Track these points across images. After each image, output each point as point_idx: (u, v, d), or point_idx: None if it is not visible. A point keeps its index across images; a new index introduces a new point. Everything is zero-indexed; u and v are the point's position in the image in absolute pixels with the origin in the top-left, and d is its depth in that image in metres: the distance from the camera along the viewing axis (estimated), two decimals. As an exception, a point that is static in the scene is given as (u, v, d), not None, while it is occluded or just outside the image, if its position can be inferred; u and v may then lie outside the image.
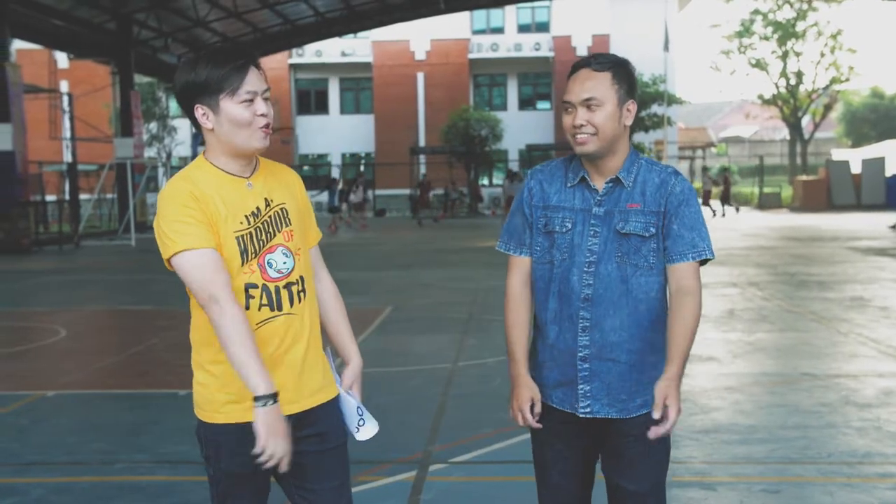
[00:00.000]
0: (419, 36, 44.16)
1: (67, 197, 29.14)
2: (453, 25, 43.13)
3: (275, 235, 2.55)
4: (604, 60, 2.70)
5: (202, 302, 2.43)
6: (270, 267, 2.54)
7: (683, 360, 2.60)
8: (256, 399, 2.36)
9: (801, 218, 30.30)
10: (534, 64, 45.76)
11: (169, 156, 38.66)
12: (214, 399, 2.54)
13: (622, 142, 2.72)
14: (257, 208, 2.55)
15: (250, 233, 2.52)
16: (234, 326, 2.38)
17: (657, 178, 2.69)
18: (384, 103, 45.01)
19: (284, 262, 2.56)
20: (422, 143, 44.02)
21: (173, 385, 7.22)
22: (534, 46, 44.97)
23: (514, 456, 5.19)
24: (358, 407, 2.78)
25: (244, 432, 2.49)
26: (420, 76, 45.13)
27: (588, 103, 2.65)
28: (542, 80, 46.40)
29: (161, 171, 35.30)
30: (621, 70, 2.70)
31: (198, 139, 31.00)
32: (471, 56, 45.16)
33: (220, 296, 2.39)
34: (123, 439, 5.72)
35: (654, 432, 2.57)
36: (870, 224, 25.74)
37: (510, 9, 44.35)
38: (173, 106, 42.35)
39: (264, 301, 2.53)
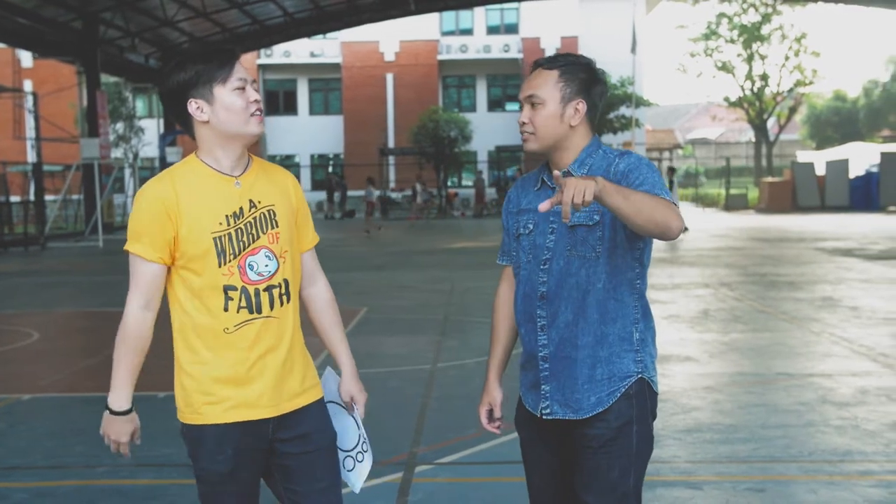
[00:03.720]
0: (388, 37, 44.09)
1: (32, 198, 28.75)
2: (422, 27, 43.11)
3: (258, 237, 2.55)
4: (557, 59, 2.70)
5: (128, 295, 2.58)
6: (251, 269, 2.54)
7: (625, 193, 2.36)
8: (107, 407, 2.61)
9: (767, 219, 30.64)
10: (503, 65, 45.83)
11: (136, 156, 38.28)
12: (193, 400, 2.55)
13: (572, 139, 2.68)
14: (240, 209, 2.55)
15: (229, 234, 2.52)
16: (126, 333, 2.55)
17: (605, 163, 2.65)
18: (353, 104, 44.90)
19: (266, 265, 2.56)
20: (391, 144, 43.97)
21: (152, 387, 7.11)
22: (503, 48, 45.06)
23: (500, 457, 5.20)
24: (361, 435, 2.79)
25: (222, 432, 2.53)
26: (389, 77, 45.07)
27: (531, 100, 2.67)
28: (511, 82, 46.45)
29: (128, 171, 34.94)
30: (573, 69, 2.68)
31: (165, 140, 30.78)
32: (440, 57, 45.15)
33: (132, 303, 2.55)
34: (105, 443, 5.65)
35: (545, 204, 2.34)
36: (834, 225, 26.09)
37: (479, 10, 44.38)
38: (140, 106, 41.99)
39: (243, 303, 2.53)
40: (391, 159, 42.50)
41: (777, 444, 5.39)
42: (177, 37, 31.98)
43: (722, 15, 50.69)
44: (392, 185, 43.02)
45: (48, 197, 29.96)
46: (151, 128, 39.08)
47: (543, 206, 2.35)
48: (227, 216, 2.53)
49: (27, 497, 4.75)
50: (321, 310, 2.81)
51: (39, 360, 8.63)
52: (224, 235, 2.51)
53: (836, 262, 16.05)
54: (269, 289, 2.56)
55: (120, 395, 2.57)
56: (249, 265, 2.53)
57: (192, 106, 2.53)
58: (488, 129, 43.59)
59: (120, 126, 37.93)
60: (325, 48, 44.99)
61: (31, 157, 34.52)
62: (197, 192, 2.53)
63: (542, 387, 2.70)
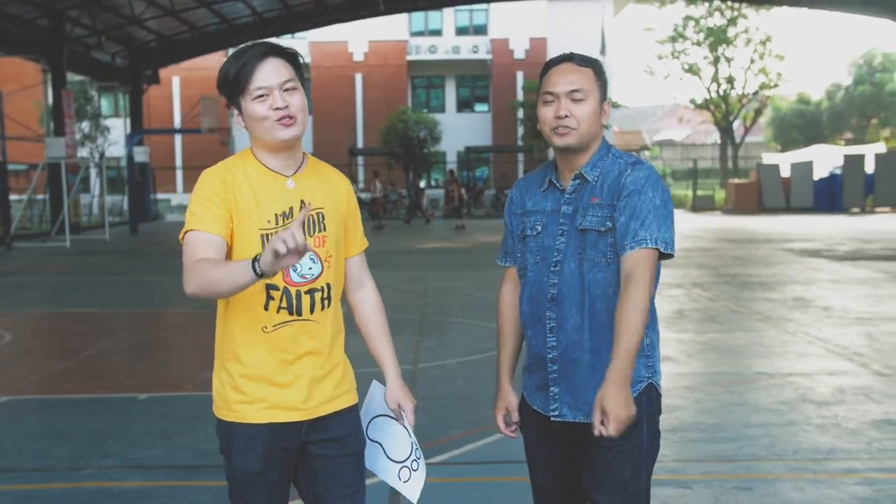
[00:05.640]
0: (357, 37, 44.01)
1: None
2: (391, 27, 43.06)
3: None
4: (585, 57, 2.72)
5: (183, 280, 2.40)
6: (294, 271, 2.51)
7: (626, 357, 2.44)
8: (254, 269, 2.23)
9: (734, 220, 30.93)
10: (472, 66, 45.92)
11: (102, 156, 37.83)
12: (228, 397, 2.55)
13: (596, 141, 2.71)
14: (290, 209, 2.52)
15: (276, 233, 2.49)
16: (208, 267, 2.34)
17: (616, 169, 2.64)
18: (322, 104, 44.73)
19: (310, 268, 2.53)
20: (360, 144, 43.88)
21: (132, 389, 7.11)
22: (472, 49, 45.14)
23: (489, 457, 5.23)
24: (413, 443, 2.75)
25: (254, 432, 2.52)
26: (358, 77, 45.00)
27: (573, 95, 2.63)
28: (480, 83, 46.60)
29: (94, 171, 34.53)
30: (599, 68, 2.72)
31: (133, 140, 30.48)
32: (409, 58, 45.15)
33: (191, 261, 2.38)
34: (90, 445, 5.60)
35: (597, 431, 2.46)
36: (800, 226, 26.40)
37: (448, 11, 44.41)
38: (105, 105, 41.54)
39: (283, 304, 2.51)
40: (360, 160, 42.39)
41: (761, 443, 5.46)
42: (144, 35, 31.68)
43: (688, 18, 51.14)
44: (361, 185, 42.92)
45: (12, 196, 29.55)
46: (118, 127, 38.62)
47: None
48: (276, 215, 2.51)
49: (13, 500, 4.69)
50: (368, 314, 2.79)
51: (14, 361, 8.52)
52: (271, 233, 2.48)
53: (805, 262, 16.25)
54: (311, 292, 2.54)
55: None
56: (293, 266, 2.49)
57: (234, 114, 2.55)
58: (457, 130, 43.62)
59: (86, 125, 37.49)
60: (293, 48, 44.69)
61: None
62: (249, 187, 2.51)
63: (551, 388, 2.70)
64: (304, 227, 2.40)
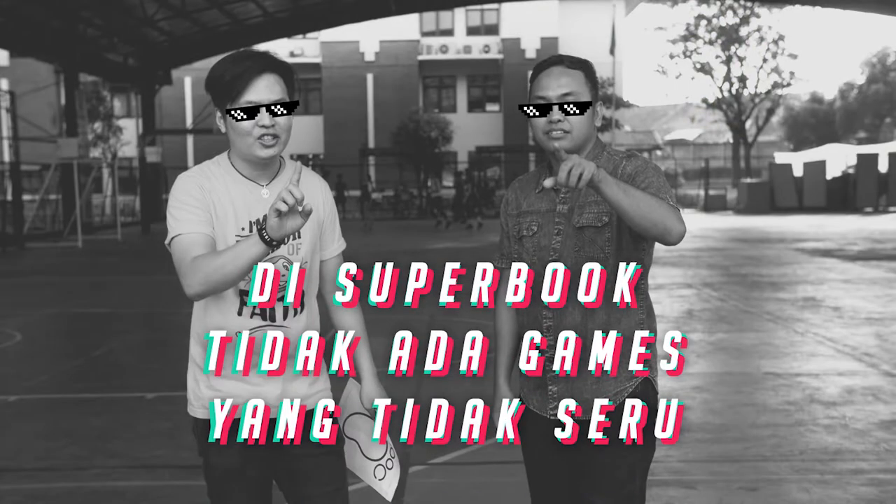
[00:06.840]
0: (368, 37, 44.04)
1: (9, 198, 28.41)
2: (403, 27, 43.08)
3: (278, 247, 2.52)
4: (575, 59, 2.70)
5: (180, 278, 2.38)
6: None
7: (625, 188, 2.39)
8: (263, 239, 2.25)
9: (746, 220, 30.80)
10: (483, 66, 45.91)
11: (114, 156, 37.98)
12: (202, 395, 2.57)
13: (590, 141, 2.71)
14: (264, 217, 2.46)
15: None
16: (207, 259, 2.33)
17: (610, 165, 2.64)
18: (333, 104, 44.80)
19: (283, 276, 2.54)
20: (371, 144, 43.92)
21: (140, 388, 7.13)
22: (483, 48, 45.13)
23: (492, 457, 5.21)
24: (387, 442, 2.77)
25: (229, 428, 2.52)
26: (369, 77, 45.02)
27: (566, 99, 2.62)
28: (491, 83, 46.58)
29: (106, 171, 34.67)
30: (591, 70, 2.70)
31: (145, 140, 30.57)
32: (420, 58, 45.16)
33: (188, 262, 2.35)
34: (95, 444, 5.63)
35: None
36: (813, 226, 26.28)
37: (459, 11, 44.42)
38: (118, 106, 41.70)
39: (257, 310, 2.53)
40: (371, 160, 42.42)
41: (768, 444, 5.43)
42: (156, 36, 31.79)
43: (700, 17, 50.97)
44: (372, 185, 42.93)
45: (25, 197, 29.67)
46: (130, 127, 38.81)
47: (548, 182, 2.39)
48: (250, 222, 2.52)
49: (20, 499, 4.71)
50: (344, 315, 2.79)
51: (24, 361, 8.56)
52: None
53: (817, 262, 16.18)
54: (283, 298, 2.55)
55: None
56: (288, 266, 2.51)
57: (217, 115, 2.53)
58: (469, 130, 43.63)
59: (98, 125, 37.63)
60: (304, 48, 44.86)
61: (6, 156, 34.14)
62: (225, 193, 2.51)
63: (550, 387, 2.70)
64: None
